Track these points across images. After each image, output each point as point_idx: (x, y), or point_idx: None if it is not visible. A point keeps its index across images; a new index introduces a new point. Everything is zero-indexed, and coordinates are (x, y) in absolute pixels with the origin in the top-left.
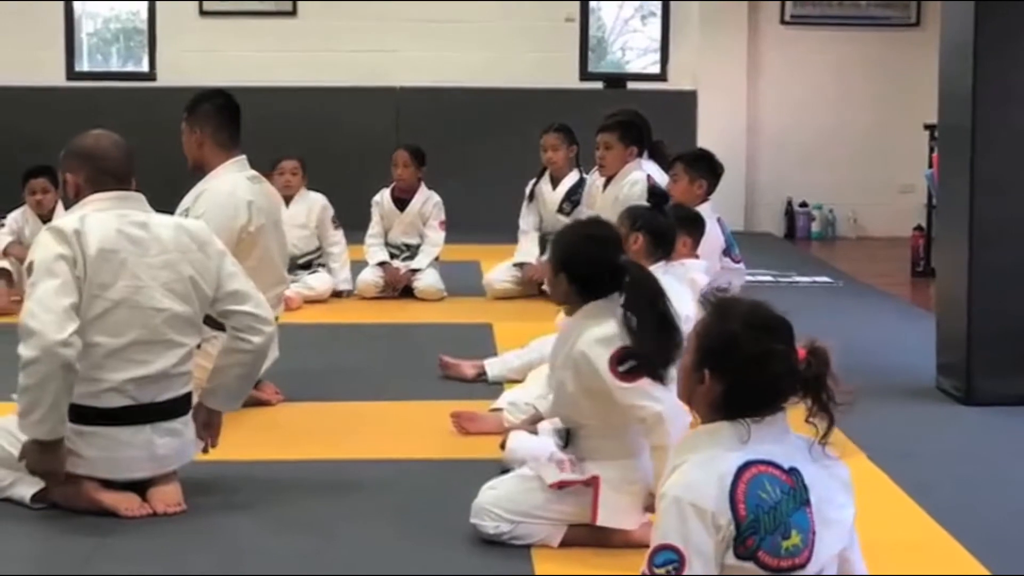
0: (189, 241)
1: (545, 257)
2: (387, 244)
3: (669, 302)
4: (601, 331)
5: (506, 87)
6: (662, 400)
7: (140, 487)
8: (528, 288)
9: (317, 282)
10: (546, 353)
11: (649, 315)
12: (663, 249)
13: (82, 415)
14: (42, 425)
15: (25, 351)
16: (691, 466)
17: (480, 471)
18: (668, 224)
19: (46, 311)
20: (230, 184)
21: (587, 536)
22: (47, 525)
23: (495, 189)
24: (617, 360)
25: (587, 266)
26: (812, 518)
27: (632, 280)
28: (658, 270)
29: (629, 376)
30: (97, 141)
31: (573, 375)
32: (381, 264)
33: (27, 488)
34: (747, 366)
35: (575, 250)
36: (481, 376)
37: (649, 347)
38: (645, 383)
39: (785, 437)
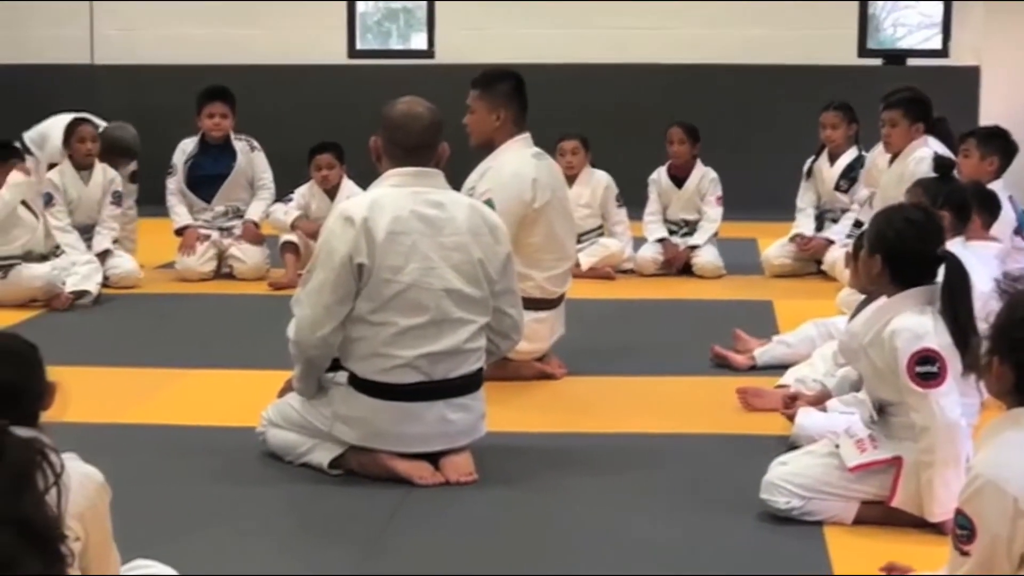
0: (482, 223)
1: (830, 237)
2: (665, 221)
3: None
4: (916, 322)
5: (782, 64)
6: (942, 416)
7: (433, 456)
8: (806, 265)
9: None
10: (817, 342)
11: (962, 312)
12: (963, 223)
13: (376, 390)
14: (299, 384)
15: (289, 329)
16: (1004, 446)
17: (767, 447)
18: (965, 197)
19: (310, 305)
20: (515, 161)
21: (880, 514)
22: (344, 491)
23: (771, 166)
24: (917, 360)
25: (907, 252)
26: None
27: (951, 273)
28: (956, 245)
29: (923, 381)
30: (400, 111)
31: (879, 353)
32: (660, 241)
33: (325, 454)
34: None
35: (897, 235)
36: (753, 368)
37: (964, 343)
38: (937, 392)
39: None
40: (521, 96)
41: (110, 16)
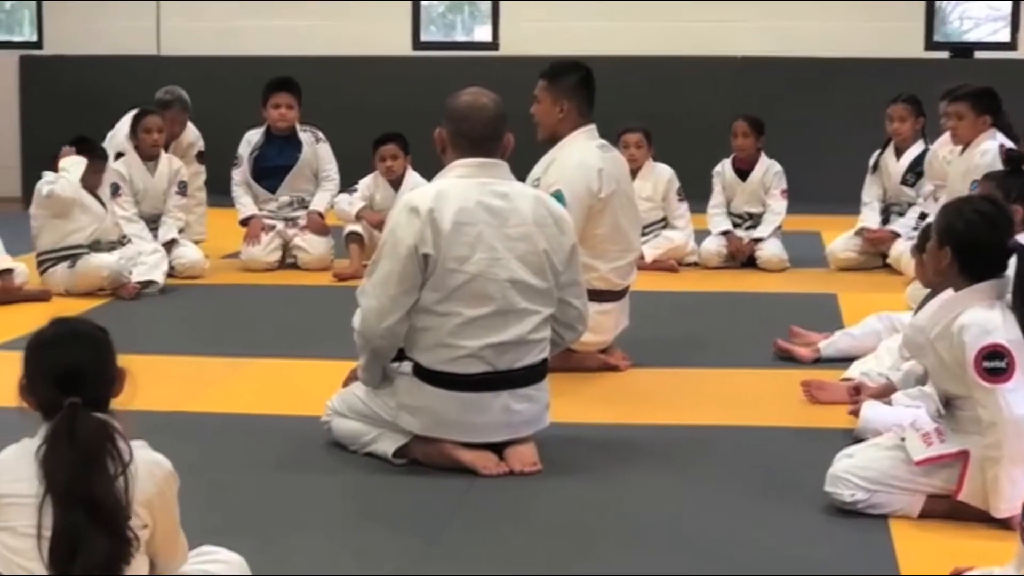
0: (547, 214)
1: (896, 230)
2: (730, 214)
3: None
4: (985, 317)
5: (848, 57)
6: (1009, 412)
7: (497, 446)
8: (871, 259)
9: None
10: (882, 335)
11: None
12: None
13: (441, 381)
14: (364, 374)
15: (354, 320)
16: None
17: (831, 440)
18: None
19: (376, 296)
20: (580, 152)
21: (946, 508)
22: (408, 481)
23: (836, 160)
24: (985, 356)
25: (977, 245)
26: None
27: (1022, 266)
28: None
29: (991, 376)
30: (465, 102)
31: (946, 347)
32: (724, 233)
33: (389, 444)
34: None
35: (967, 227)
36: (817, 360)
37: None
38: (1004, 387)
39: None
40: (587, 89)
41: (176, 8)
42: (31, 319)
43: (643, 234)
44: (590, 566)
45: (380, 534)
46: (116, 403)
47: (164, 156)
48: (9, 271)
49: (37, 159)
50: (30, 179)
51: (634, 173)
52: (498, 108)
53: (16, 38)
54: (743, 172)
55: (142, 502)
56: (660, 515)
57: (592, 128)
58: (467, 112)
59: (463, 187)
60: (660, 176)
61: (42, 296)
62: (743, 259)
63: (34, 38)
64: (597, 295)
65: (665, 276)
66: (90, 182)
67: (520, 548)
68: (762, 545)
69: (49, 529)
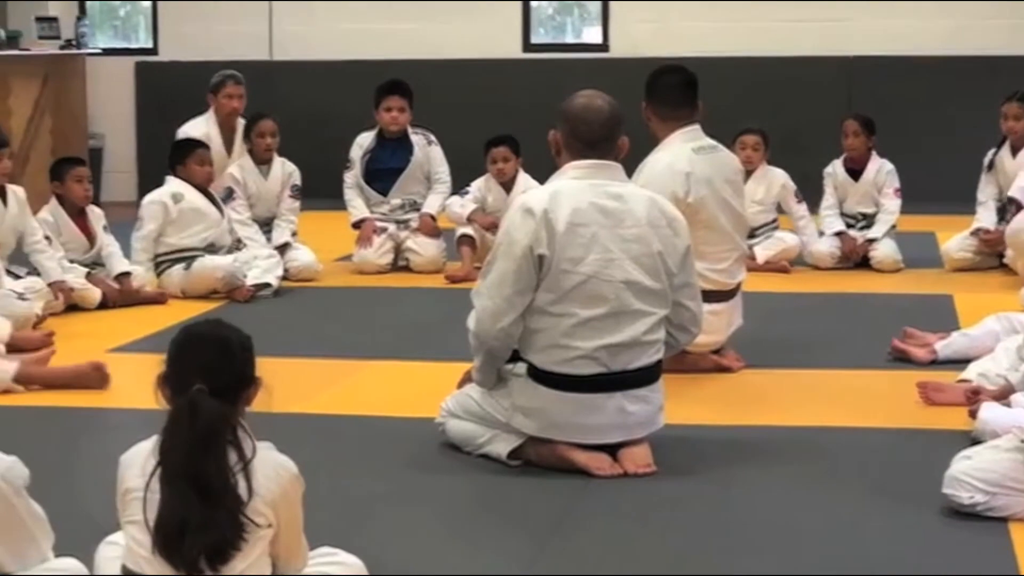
0: (660, 216)
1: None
2: (842, 214)
3: None
4: None
5: (960, 55)
6: None
7: (611, 448)
8: (987, 259)
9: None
10: (1000, 336)
11: None
12: None
13: (555, 382)
14: (478, 375)
15: (469, 321)
16: None
17: (948, 442)
18: None
19: (490, 297)
20: (669, 156)
21: None
22: (523, 482)
23: (950, 159)
24: None
25: None
26: None
27: None
28: None
29: None
30: (580, 104)
31: None
32: (837, 234)
33: (503, 445)
34: None
35: None
36: (934, 362)
37: None
38: None
39: None
40: (674, 90)
41: (289, 13)
42: (149, 321)
43: (754, 236)
44: (703, 567)
45: (494, 535)
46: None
47: (278, 160)
48: (127, 274)
49: (152, 164)
50: (146, 184)
51: (749, 175)
52: (613, 110)
53: (132, 45)
54: (855, 172)
55: (268, 502)
56: (774, 517)
57: (691, 130)
58: (582, 114)
59: (578, 188)
60: (774, 180)
61: (158, 299)
62: (857, 260)
63: (150, 44)
64: (707, 296)
65: (778, 277)
66: (198, 176)
67: (634, 549)
68: (878, 548)
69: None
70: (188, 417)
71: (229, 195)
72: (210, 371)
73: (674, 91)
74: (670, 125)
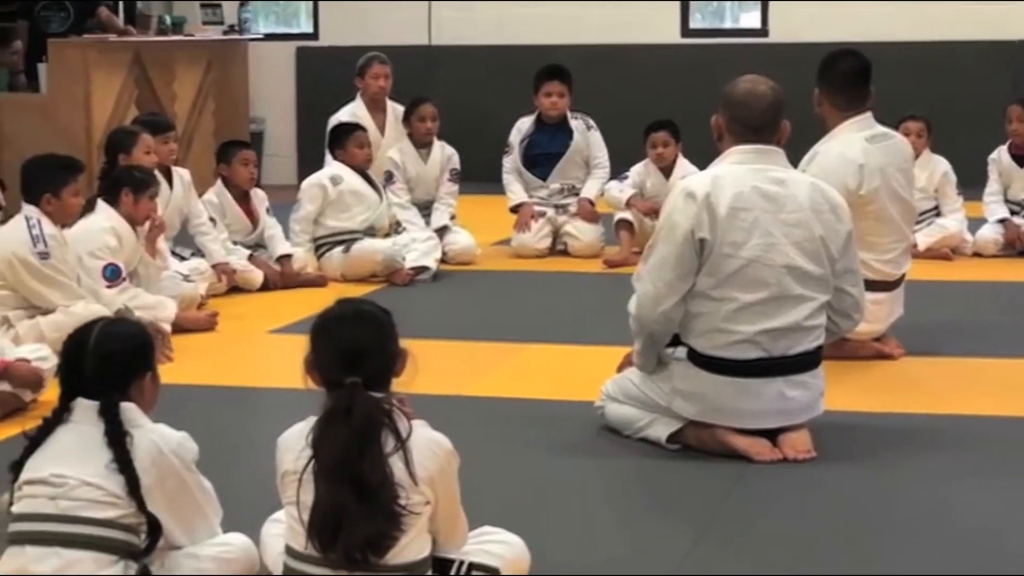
0: (823, 201)
1: None
2: (1007, 201)
3: None
4: None
5: None
6: None
7: (771, 433)
8: None
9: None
10: None
11: None
12: None
13: (716, 366)
14: (639, 359)
15: (630, 304)
16: None
17: None
18: None
19: (652, 281)
20: (842, 146)
21: None
22: (682, 466)
23: None
24: None
25: None
26: None
27: None
28: None
29: None
30: (743, 90)
31: None
32: (1001, 221)
33: (663, 429)
34: None
35: None
36: None
37: None
38: None
39: None
40: (848, 77)
41: None
42: (309, 303)
43: (917, 222)
44: (861, 555)
45: (653, 519)
46: (397, 383)
47: (437, 144)
48: (288, 256)
49: (312, 148)
50: (305, 168)
51: None
52: (776, 95)
53: (293, 30)
54: (1020, 159)
55: (424, 479)
56: (934, 506)
57: (864, 118)
58: (745, 99)
59: (739, 173)
60: (936, 168)
61: (319, 281)
62: (1022, 247)
63: (310, 30)
64: (870, 285)
65: (939, 264)
66: (357, 158)
67: (792, 535)
68: None
69: (308, 505)
70: (343, 416)
71: (389, 179)
72: (358, 357)
73: (851, 78)
74: (844, 113)
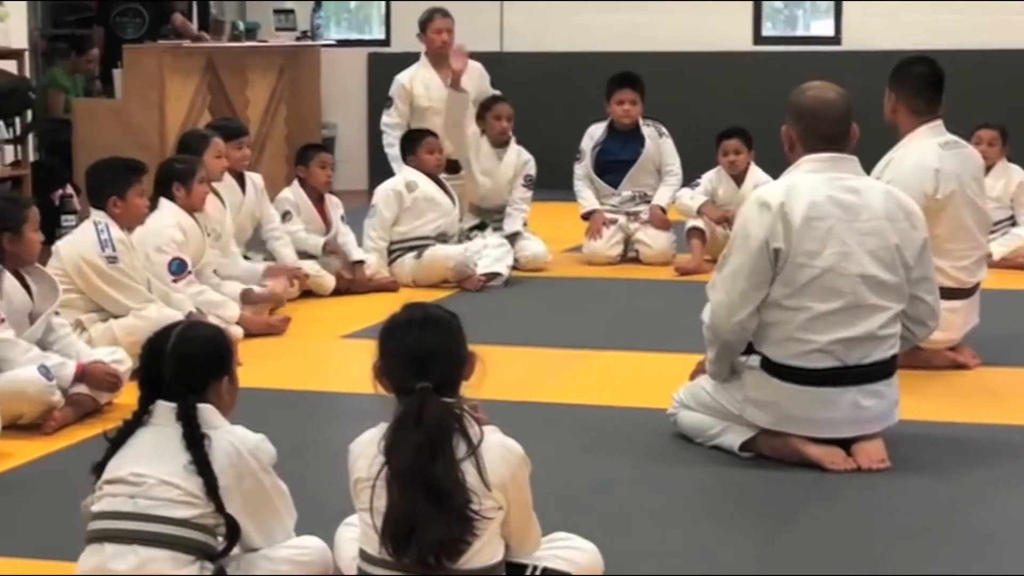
0: (897, 209)
1: None
2: None
3: None
4: None
5: None
6: None
7: (845, 442)
8: None
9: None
10: None
11: None
12: None
13: (790, 375)
14: (712, 367)
15: (704, 313)
16: None
17: None
18: None
19: (726, 291)
20: (917, 151)
21: None
22: (755, 475)
23: None
24: None
25: None
26: None
27: None
28: None
29: None
30: (812, 98)
31: None
32: None
33: (736, 437)
34: None
35: None
36: None
37: None
38: None
39: None
40: (923, 83)
41: (519, 5)
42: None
43: (991, 232)
44: (936, 566)
45: (726, 527)
46: (467, 387)
47: (513, 146)
48: (360, 262)
49: (384, 154)
50: (376, 174)
51: (987, 170)
52: (845, 102)
53: (365, 36)
54: None
55: (496, 485)
56: (1010, 517)
57: (936, 125)
58: (816, 108)
59: (814, 182)
60: (1012, 177)
61: (391, 287)
62: None
63: (382, 36)
64: (946, 293)
65: (1015, 274)
66: (429, 164)
67: (866, 545)
68: None
69: (381, 510)
70: (414, 421)
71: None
72: (427, 362)
73: (926, 83)
74: (918, 119)
